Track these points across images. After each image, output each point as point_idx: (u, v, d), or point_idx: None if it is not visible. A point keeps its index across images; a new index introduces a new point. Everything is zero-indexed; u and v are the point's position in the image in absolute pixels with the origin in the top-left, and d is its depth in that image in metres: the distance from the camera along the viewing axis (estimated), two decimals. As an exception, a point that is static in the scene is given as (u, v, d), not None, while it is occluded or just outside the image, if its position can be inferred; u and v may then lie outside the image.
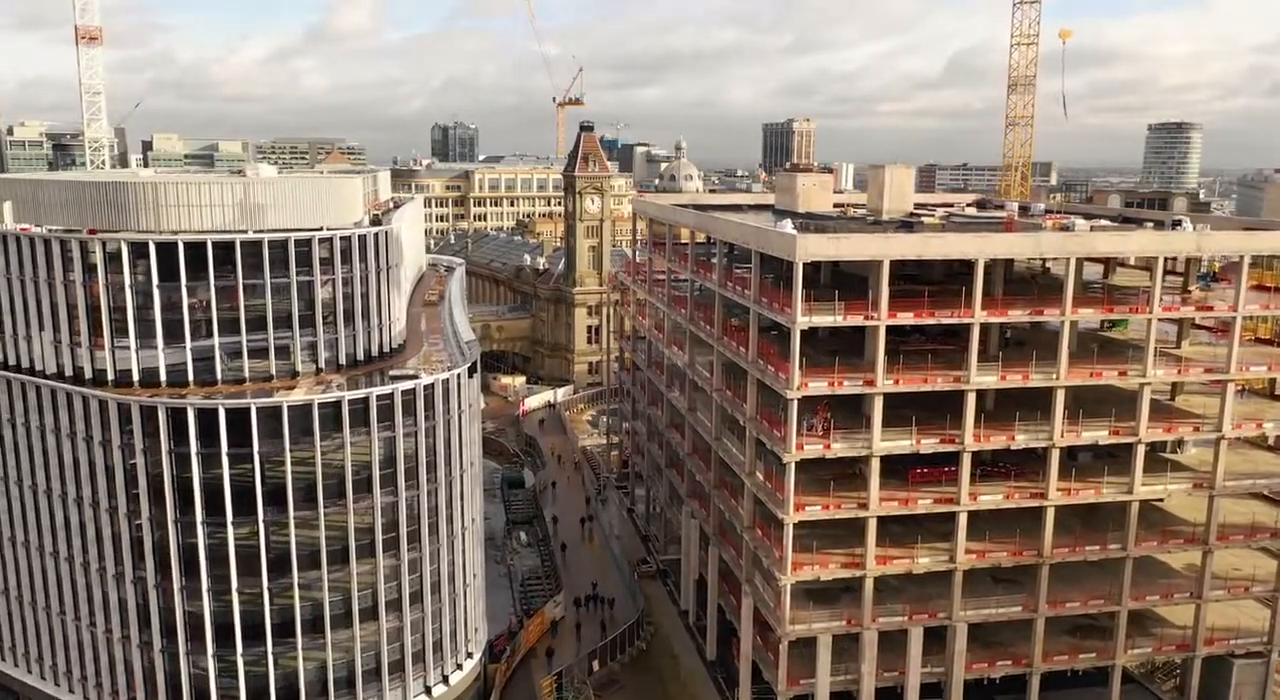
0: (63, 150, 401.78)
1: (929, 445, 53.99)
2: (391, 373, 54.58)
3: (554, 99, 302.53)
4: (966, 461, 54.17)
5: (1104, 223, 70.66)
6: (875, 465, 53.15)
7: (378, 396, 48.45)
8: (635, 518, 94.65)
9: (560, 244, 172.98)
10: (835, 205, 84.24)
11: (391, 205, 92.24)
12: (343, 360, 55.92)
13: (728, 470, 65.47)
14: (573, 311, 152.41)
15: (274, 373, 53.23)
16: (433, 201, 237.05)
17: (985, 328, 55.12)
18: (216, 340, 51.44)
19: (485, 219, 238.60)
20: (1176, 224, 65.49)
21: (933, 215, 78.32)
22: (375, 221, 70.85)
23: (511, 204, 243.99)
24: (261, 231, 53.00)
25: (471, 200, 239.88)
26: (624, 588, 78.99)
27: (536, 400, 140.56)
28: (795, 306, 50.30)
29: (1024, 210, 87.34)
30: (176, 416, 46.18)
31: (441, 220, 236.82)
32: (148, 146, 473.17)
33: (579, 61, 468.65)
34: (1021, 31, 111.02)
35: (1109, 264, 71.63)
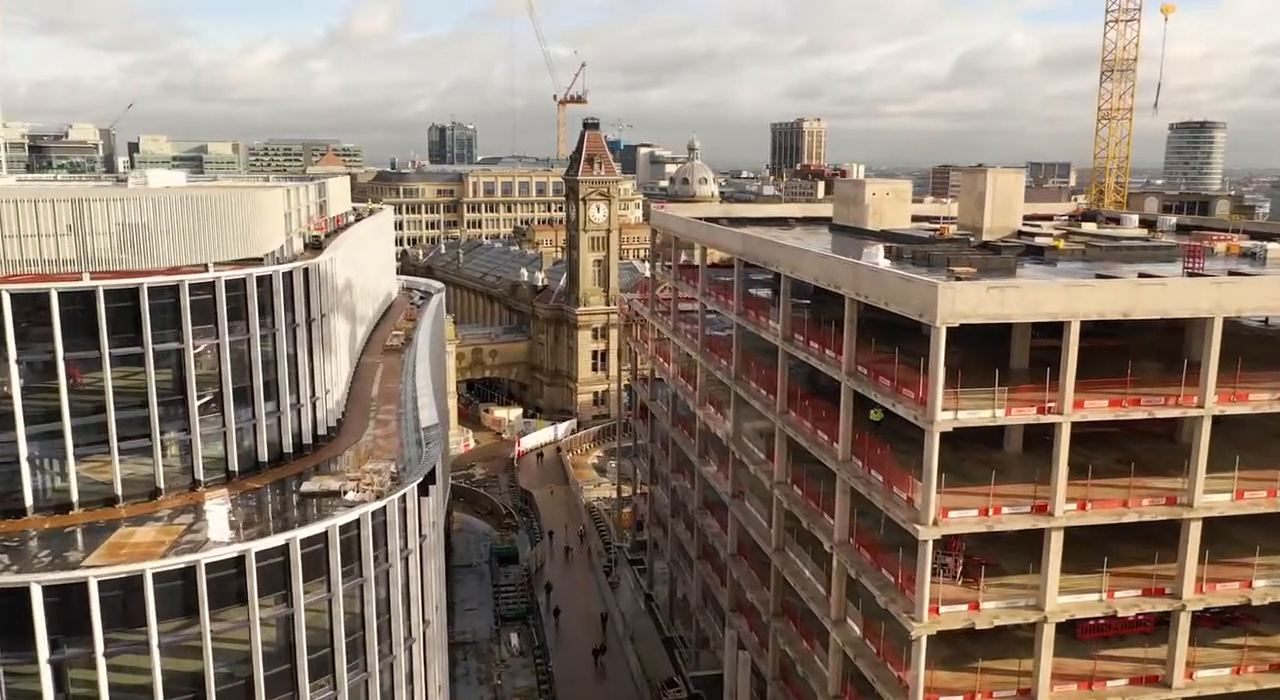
0: (39, 152, 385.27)
1: (1126, 601, 35.23)
2: (304, 487, 35.97)
3: (554, 97, 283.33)
4: (1184, 625, 35.39)
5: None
6: (1048, 634, 34.37)
7: (259, 554, 29.67)
8: (656, 609, 75.74)
9: (561, 256, 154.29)
10: (914, 219, 65.88)
11: (352, 218, 73.69)
12: (235, 464, 37.34)
13: (795, 595, 46.94)
14: (575, 334, 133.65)
15: (120, 491, 34.65)
16: (423, 207, 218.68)
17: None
18: (21, 441, 32.95)
19: (480, 226, 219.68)
20: None
21: (1049, 234, 59.80)
22: (314, 245, 52.48)
23: (508, 209, 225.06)
24: (102, 274, 34.50)
25: (465, 206, 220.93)
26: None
27: (534, 439, 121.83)
28: (934, 397, 31.61)
29: (1148, 224, 68.86)
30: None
31: (432, 228, 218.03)
32: (134, 148, 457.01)
33: (581, 57, 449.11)
34: (1120, 5, 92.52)
35: None
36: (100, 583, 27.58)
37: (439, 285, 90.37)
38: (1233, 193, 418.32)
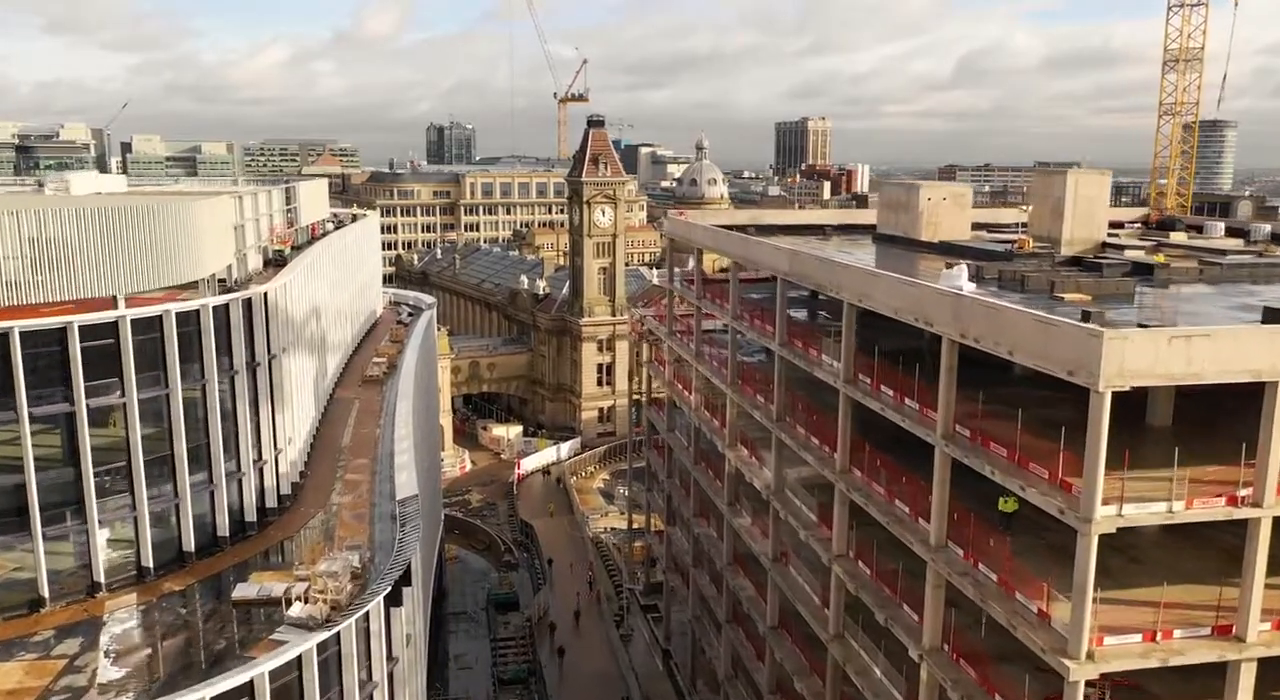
0: (26, 152, 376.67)
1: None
2: (238, 593, 27.30)
3: (555, 95, 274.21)
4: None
5: None
6: (1231, 798, 25.65)
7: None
8: (675, 669, 66.94)
9: (563, 261, 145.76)
10: (975, 227, 57.39)
11: (330, 227, 65.07)
12: (149, 558, 28.66)
13: (856, 687, 38.30)
14: (579, 346, 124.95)
15: (-11, 602, 25.97)
16: (418, 209, 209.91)
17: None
18: None
19: (478, 229, 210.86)
20: None
21: (1139, 247, 51.32)
22: (276, 261, 43.94)
23: (507, 212, 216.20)
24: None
25: (462, 208, 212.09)
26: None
27: (535, 461, 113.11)
28: (1093, 486, 22.85)
29: (1239, 234, 60.13)
30: None
31: (428, 231, 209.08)
32: (127, 148, 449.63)
33: (583, 55, 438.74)
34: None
35: None
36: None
37: (429, 299, 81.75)
38: (1249, 193, 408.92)
